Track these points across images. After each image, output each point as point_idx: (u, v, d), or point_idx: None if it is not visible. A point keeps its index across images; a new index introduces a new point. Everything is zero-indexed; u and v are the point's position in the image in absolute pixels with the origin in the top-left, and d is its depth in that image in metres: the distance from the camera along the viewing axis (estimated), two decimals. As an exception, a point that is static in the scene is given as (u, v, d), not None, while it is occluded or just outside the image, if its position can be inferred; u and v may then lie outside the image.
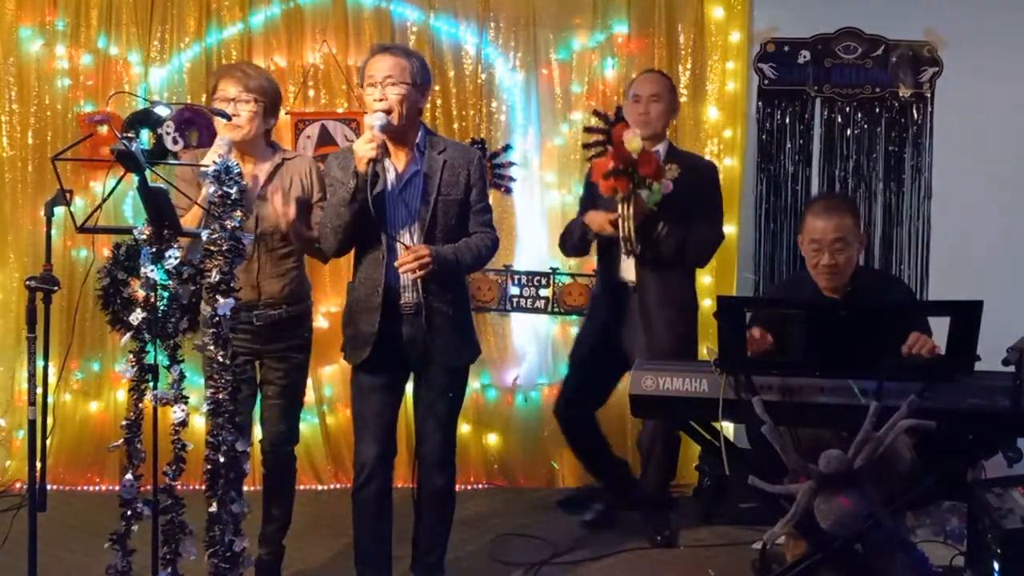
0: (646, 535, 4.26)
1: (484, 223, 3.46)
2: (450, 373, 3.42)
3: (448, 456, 3.50)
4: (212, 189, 2.85)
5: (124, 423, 2.78)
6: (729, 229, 4.94)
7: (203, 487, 2.85)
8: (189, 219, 3.29)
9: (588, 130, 4.92)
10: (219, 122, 3.47)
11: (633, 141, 3.85)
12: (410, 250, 3.26)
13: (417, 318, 3.34)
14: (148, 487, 2.82)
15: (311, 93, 4.94)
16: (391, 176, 3.35)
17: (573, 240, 4.29)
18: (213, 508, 2.82)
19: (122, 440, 2.78)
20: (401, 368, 3.45)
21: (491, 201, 4.90)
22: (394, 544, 3.51)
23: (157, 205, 2.77)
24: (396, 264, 3.27)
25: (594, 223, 4.14)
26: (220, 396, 2.83)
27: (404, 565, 3.59)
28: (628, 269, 4.19)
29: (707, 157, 4.71)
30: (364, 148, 3.21)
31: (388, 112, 3.26)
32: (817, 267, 3.52)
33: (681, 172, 4.09)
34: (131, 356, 2.78)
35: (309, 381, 3.88)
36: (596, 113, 4.91)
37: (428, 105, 4.66)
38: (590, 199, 4.30)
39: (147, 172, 2.77)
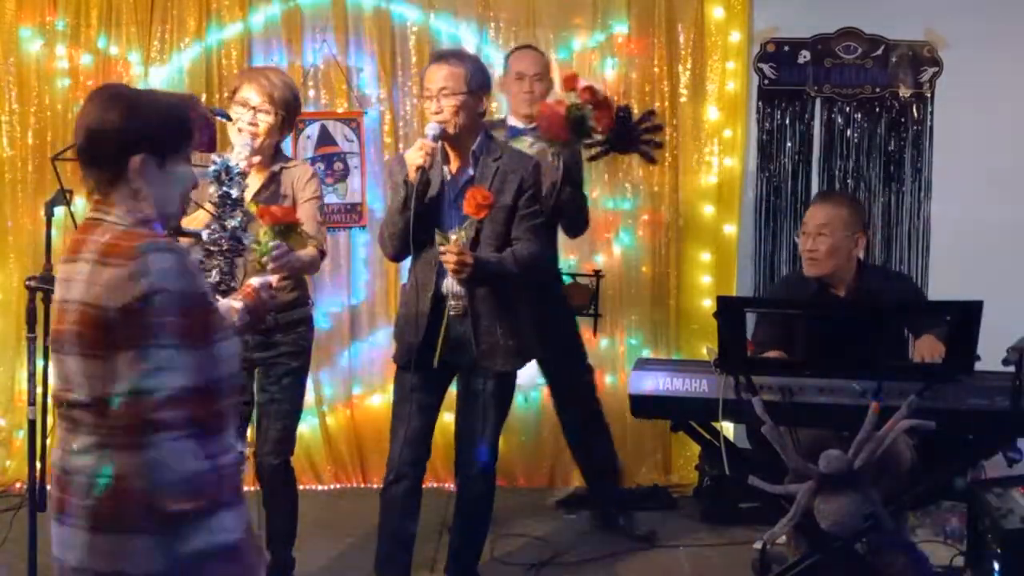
0: (626, 536, 4.28)
1: (527, 230, 3.38)
2: (495, 378, 3.40)
3: (489, 461, 3.47)
4: (212, 189, 2.84)
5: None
6: (729, 229, 4.95)
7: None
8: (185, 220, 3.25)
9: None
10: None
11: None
12: (453, 244, 3.22)
13: (465, 320, 3.33)
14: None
15: (311, 93, 4.93)
16: (447, 182, 3.37)
17: None
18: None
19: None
20: (445, 370, 3.42)
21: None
22: (419, 546, 3.52)
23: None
24: (440, 254, 3.23)
25: None
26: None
27: (424, 571, 3.61)
28: None
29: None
30: (413, 156, 3.25)
31: (444, 123, 3.28)
32: (802, 254, 3.55)
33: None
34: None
35: (309, 381, 3.84)
36: (596, 113, 4.90)
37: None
38: None
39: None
